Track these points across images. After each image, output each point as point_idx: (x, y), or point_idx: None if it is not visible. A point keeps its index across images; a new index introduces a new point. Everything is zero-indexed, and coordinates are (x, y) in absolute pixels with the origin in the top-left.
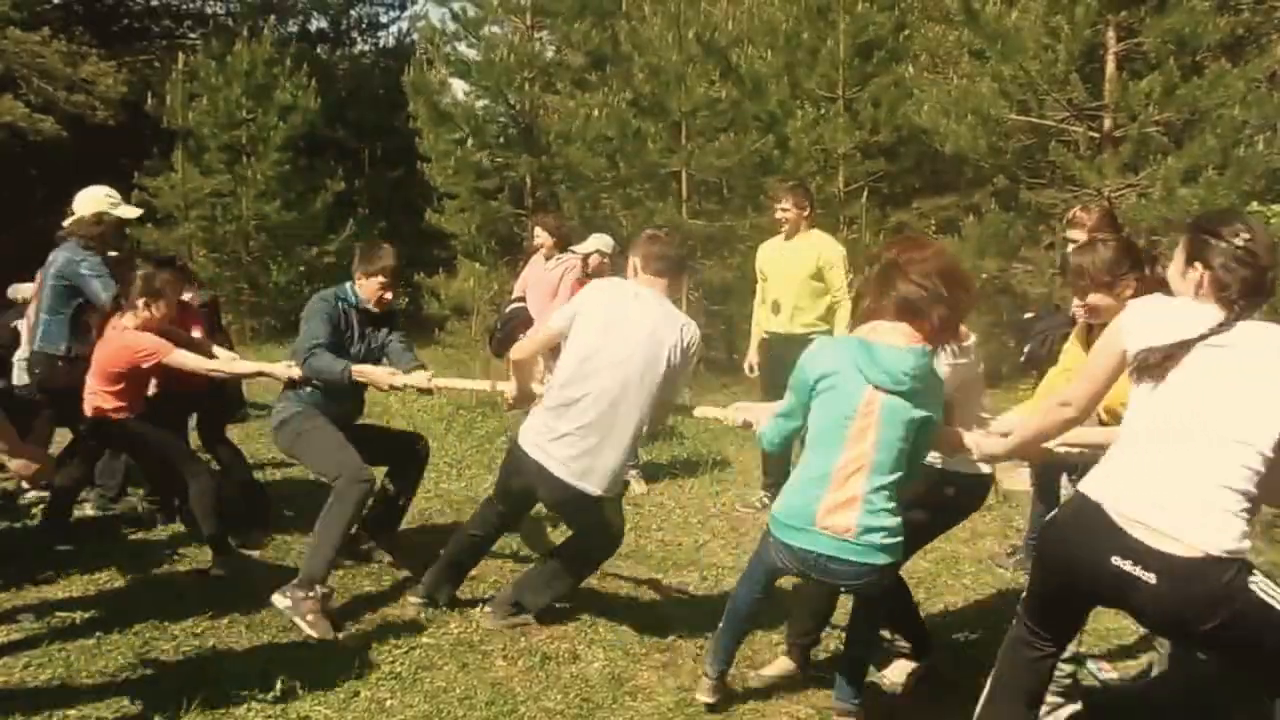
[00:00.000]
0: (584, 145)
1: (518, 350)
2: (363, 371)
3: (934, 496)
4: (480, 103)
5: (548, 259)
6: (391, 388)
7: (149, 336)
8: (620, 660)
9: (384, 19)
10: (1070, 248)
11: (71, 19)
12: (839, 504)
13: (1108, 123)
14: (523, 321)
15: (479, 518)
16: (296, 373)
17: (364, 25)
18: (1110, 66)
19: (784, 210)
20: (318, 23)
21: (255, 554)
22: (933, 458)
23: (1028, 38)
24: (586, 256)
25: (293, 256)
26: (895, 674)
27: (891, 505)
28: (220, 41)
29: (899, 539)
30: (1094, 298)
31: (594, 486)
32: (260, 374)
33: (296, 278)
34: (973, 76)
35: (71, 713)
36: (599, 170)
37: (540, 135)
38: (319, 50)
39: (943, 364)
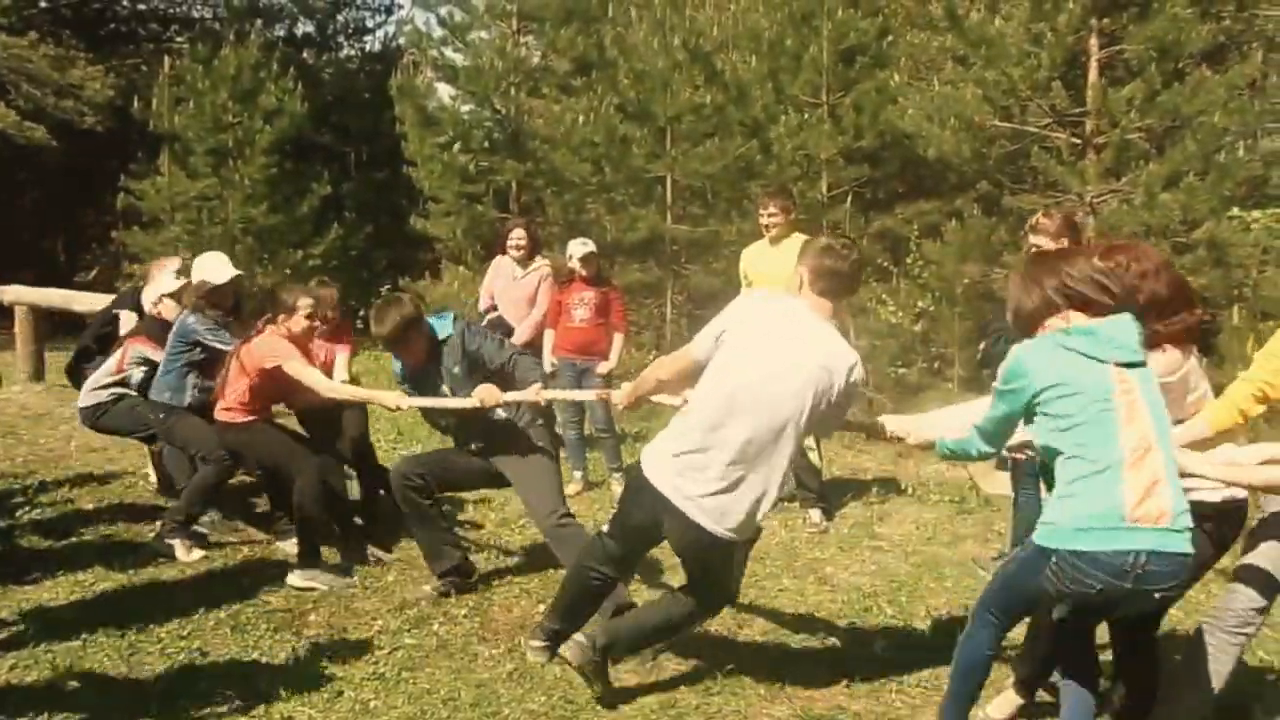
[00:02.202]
0: (569, 150)
1: (661, 370)
2: (482, 393)
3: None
4: (466, 107)
5: (520, 265)
6: (498, 404)
7: (283, 341)
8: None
9: (370, 24)
10: (1031, 251)
11: (59, 23)
12: (1145, 491)
13: (1090, 129)
14: (503, 333)
15: (593, 554)
16: (406, 402)
17: (350, 30)
18: (1093, 73)
19: (771, 215)
20: (304, 27)
21: (388, 557)
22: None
23: (1011, 44)
24: (580, 261)
25: (279, 260)
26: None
27: (1180, 482)
28: (206, 45)
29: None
30: None
31: (729, 530)
32: (370, 402)
33: (283, 280)
34: (956, 82)
35: (58, 715)
36: (584, 175)
37: (526, 140)
38: (305, 54)
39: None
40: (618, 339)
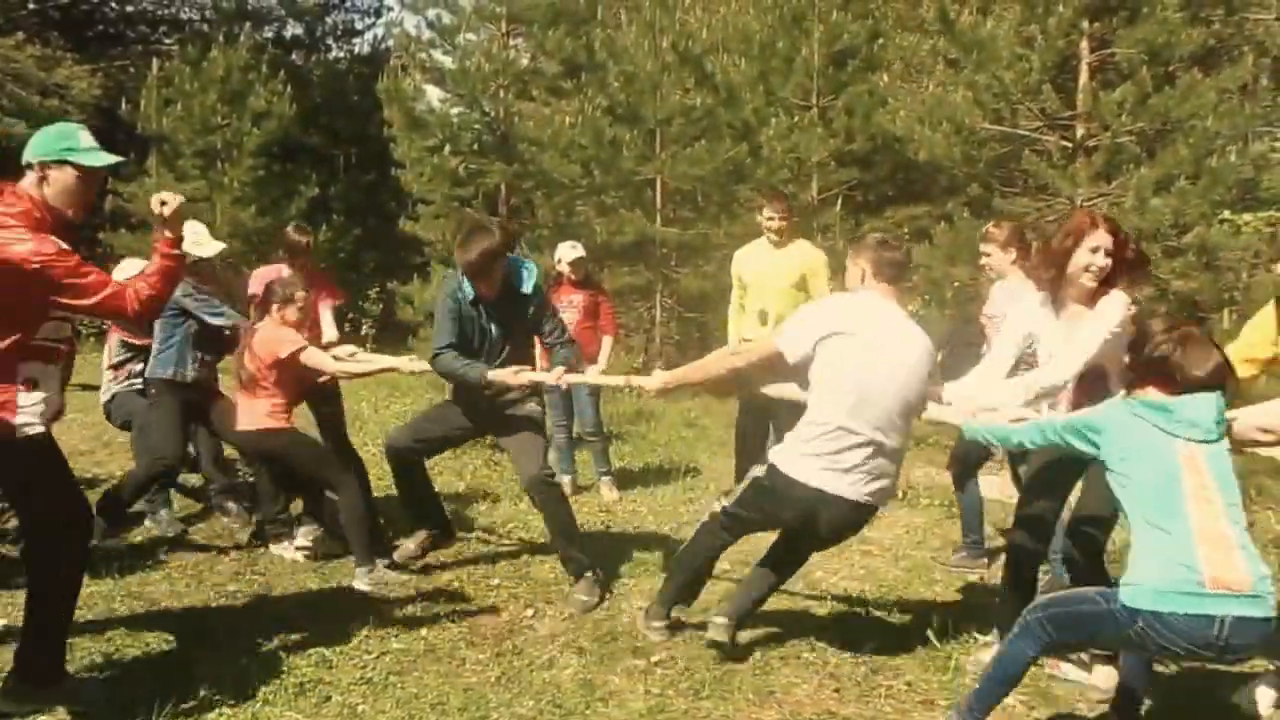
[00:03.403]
0: (558, 152)
1: (740, 359)
2: (499, 374)
3: None
4: (455, 109)
5: None
6: (519, 386)
7: (285, 330)
8: (592, 666)
9: (359, 26)
10: (981, 260)
11: (46, 24)
12: (1222, 558)
13: (1081, 132)
14: None
15: (718, 535)
16: (422, 366)
17: (339, 32)
18: (1083, 76)
19: (770, 218)
20: (293, 29)
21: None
22: None
23: (1002, 47)
24: (569, 265)
25: (267, 262)
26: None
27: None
28: (195, 47)
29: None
30: None
31: (879, 498)
32: (388, 370)
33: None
34: (947, 85)
35: (42, 717)
36: (573, 177)
37: (515, 142)
38: (294, 56)
39: (1108, 331)
40: (607, 342)
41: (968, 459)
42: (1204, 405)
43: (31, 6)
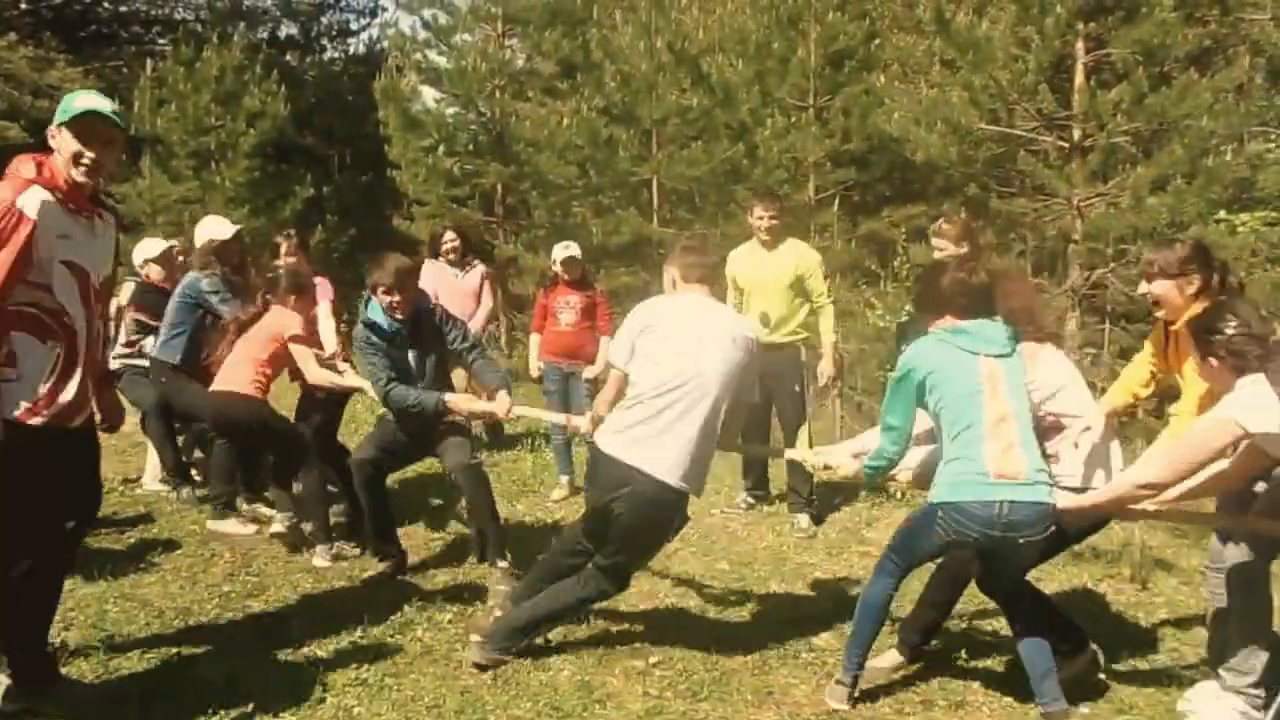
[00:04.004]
0: (554, 153)
1: (602, 407)
2: (455, 402)
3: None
4: (450, 110)
5: (451, 264)
6: (471, 415)
7: (295, 316)
8: (590, 668)
9: (354, 26)
10: (935, 255)
11: (39, 25)
12: (1002, 452)
13: (1077, 132)
14: None
15: (565, 543)
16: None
17: (334, 32)
18: (1079, 77)
19: (759, 219)
20: (287, 29)
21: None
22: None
23: (998, 48)
24: (561, 265)
25: (261, 264)
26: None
27: (1039, 450)
28: (189, 48)
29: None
30: (1158, 285)
31: (685, 483)
32: (356, 390)
33: (265, 285)
34: (943, 86)
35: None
36: (569, 178)
37: (511, 143)
38: (288, 57)
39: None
40: (604, 342)
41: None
42: (995, 326)
43: (24, 6)
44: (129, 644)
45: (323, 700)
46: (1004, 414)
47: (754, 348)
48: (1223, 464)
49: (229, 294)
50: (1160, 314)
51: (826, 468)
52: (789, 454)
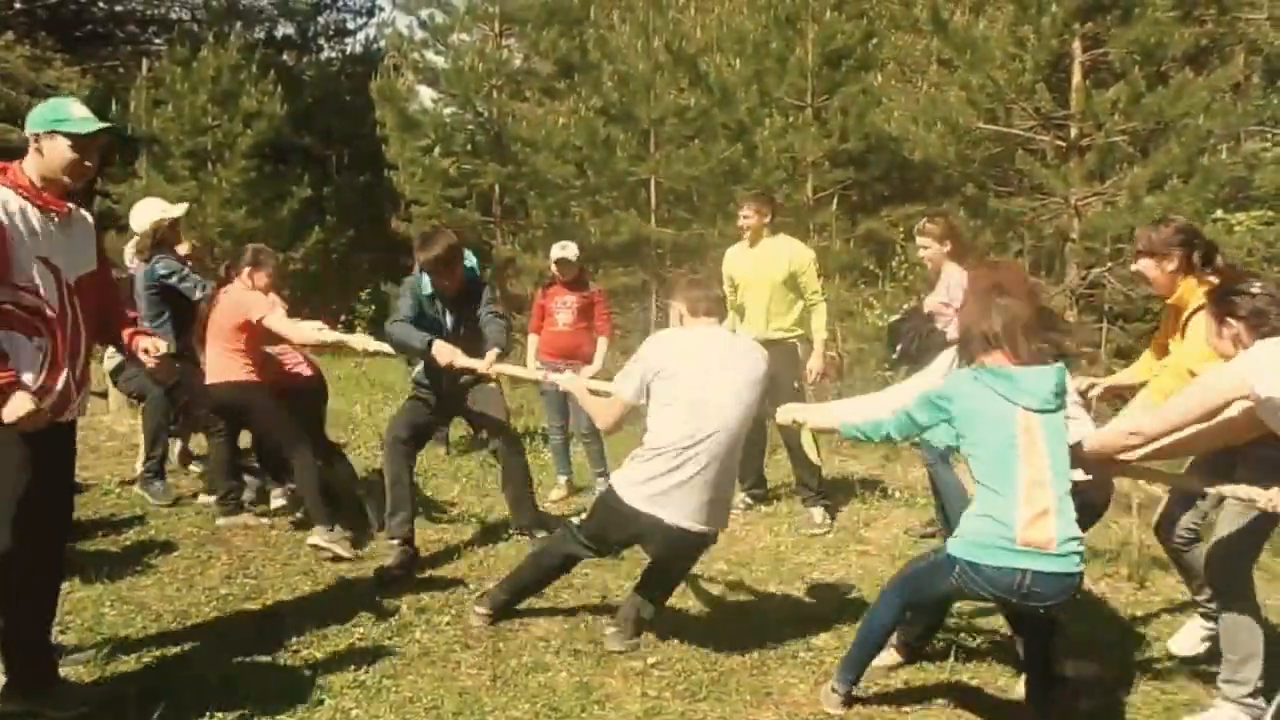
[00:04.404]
0: (552, 153)
1: (597, 415)
2: (439, 349)
3: None
4: (448, 110)
5: None
6: (450, 366)
7: (256, 294)
8: (588, 669)
9: (351, 25)
10: (920, 254)
11: (35, 24)
12: (1033, 518)
13: (1074, 132)
14: None
15: (564, 545)
16: (373, 344)
17: (331, 32)
18: (1076, 76)
19: (745, 217)
20: (284, 29)
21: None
22: None
23: (995, 47)
24: (555, 265)
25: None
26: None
27: (1074, 515)
28: (185, 47)
29: (1084, 547)
30: (1143, 264)
31: (716, 524)
32: (340, 345)
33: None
34: (941, 85)
35: None
36: (567, 178)
37: (508, 143)
38: (285, 57)
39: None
40: (602, 343)
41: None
42: (1043, 376)
43: (19, 6)
44: (126, 646)
45: (321, 702)
46: (1040, 477)
47: (769, 371)
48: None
49: (187, 271)
50: (1148, 290)
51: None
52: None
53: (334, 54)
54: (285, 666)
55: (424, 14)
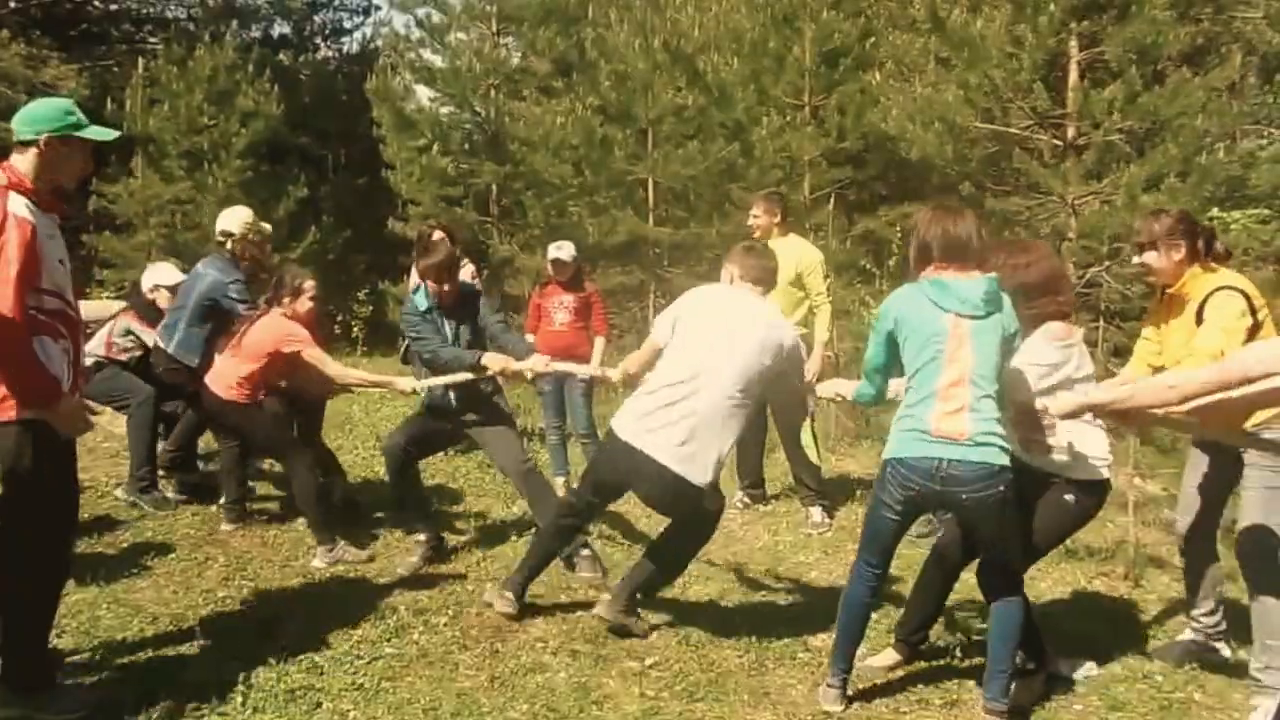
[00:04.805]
0: (549, 152)
1: (630, 363)
2: (491, 359)
3: (1055, 502)
4: (445, 109)
5: None
6: (503, 373)
7: (297, 326)
8: (587, 669)
9: (348, 25)
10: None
11: (30, 22)
12: (948, 414)
13: (1071, 131)
14: None
15: (564, 508)
16: (414, 385)
17: (327, 31)
18: (1073, 75)
19: (755, 216)
20: (280, 28)
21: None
22: (1056, 459)
23: (992, 46)
24: (550, 264)
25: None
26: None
27: (997, 414)
28: (181, 46)
29: (1008, 445)
30: (1148, 255)
31: (691, 474)
32: (381, 386)
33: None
34: (938, 84)
35: None
36: (565, 177)
37: (505, 142)
38: (282, 56)
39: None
40: (599, 342)
41: None
42: (974, 285)
43: (14, 4)
44: (122, 649)
45: (319, 705)
46: (960, 376)
47: (788, 353)
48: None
49: (249, 297)
50: (1153, 280)
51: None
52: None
53: (330, 53)
54: (283, 669)
55: (421, 13)
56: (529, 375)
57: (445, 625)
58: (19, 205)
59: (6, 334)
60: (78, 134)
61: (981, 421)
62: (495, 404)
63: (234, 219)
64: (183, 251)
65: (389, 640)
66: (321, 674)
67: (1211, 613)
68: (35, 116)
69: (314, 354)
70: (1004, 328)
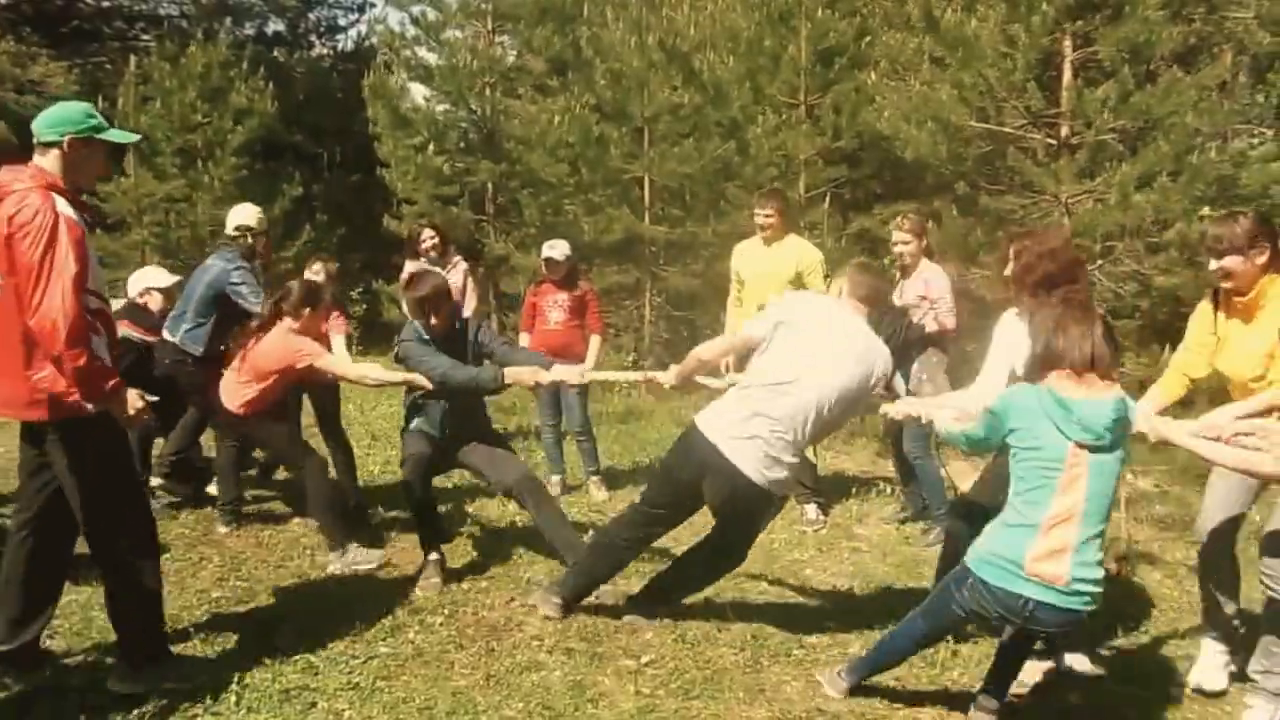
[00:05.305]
0: (545, 151)
1: (704, 351)
2: (517, 374)
3: None
4: (440, 108)
5: (432, 264)
6: (537, 385)
7: (308, 340)
8: (582, 667)
9: (343, 22)
10: (897, 249)
11: (20, 20)
12: (1048, 553)
13: (1064, 130)
14: None
15: (625, 522)
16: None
17: (322, 28)
18: (1067, 74)
19: (767, 216)
20: (274, 25)
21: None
22: None
23: (986, 45)
24: (544, 263)
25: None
26: (1027, 675)
27: (1099, 556)
28: (174, 43)
29: (1102, 588)
30: (1230, 260)
31: (769, 480)
32: (405, 384)
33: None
34: (933, 83)
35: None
36: (560, 176)
37: (501, 141)
38: (276, 53)
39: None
40: (595, 341)
41: (899, 443)
42: (1101, 410)
43: (3, 1)
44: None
45: (314, 705)
46: (1070, 513)
47: (878, 378)
48: None
49: (257, 286)
50: (1229, 285)
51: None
52: (892, 408)
53: (325, 51)
54: (278, 669)
55: (416, 10)
56: (577, 381)
57: (440, 624)
58: (65, 206)
59: (75, 334)
60: (99, 136)
61: (1082, 566)
62: (488, 421)
63: (248, 214)
64: (176, 250)
65: (384, 639)
66: (316, 673)
67: (1229, 634)
68: (57, 119)
69: (327, 362)
70: (1125, 457)
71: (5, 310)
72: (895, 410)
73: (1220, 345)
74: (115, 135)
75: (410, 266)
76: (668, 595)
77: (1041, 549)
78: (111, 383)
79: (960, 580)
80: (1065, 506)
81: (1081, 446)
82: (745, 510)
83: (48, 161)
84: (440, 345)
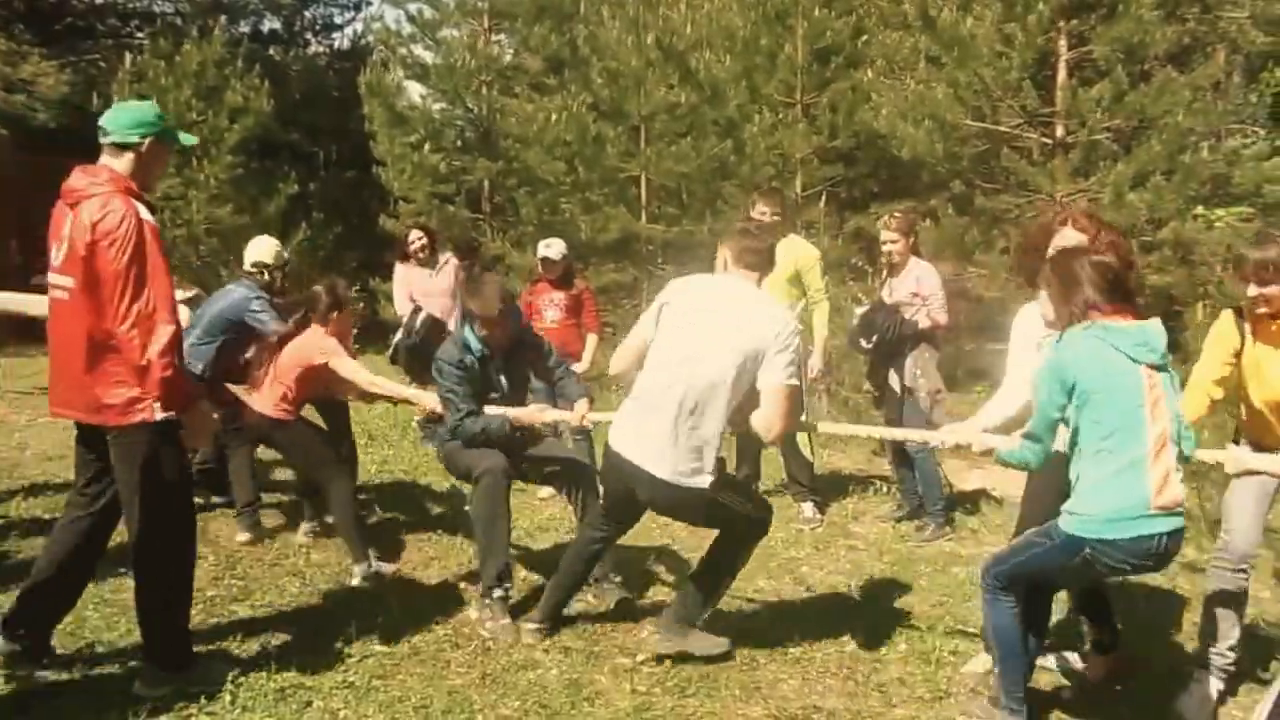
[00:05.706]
0: (542, 149)
1: (614, 363)
2: (517, 418)
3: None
4: (437, 106)
5: (421, 265)
6: (544, 424)
7: (331, 340)
8: (579, 666)
9: (339, 20)
10: (886, 247)
11: (12, 17)
12: (1162, 482)
13: (1059, 129)
14: (440, 330)
15: (590, 524)
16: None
17: (318, 26)
18: (1062, 74)
19: (775, 215)
20: (270, 23)
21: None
22: None
23: (982, 44)
24: (540, 262)
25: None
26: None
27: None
28: (168, 41)
29: None
30: (1274, 289)
31: (689, 481)
32: (407, 402)
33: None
34: (929, 82)
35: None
36: (557, 174)
37: (498, 139)
38: (271, 51)
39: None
40: (591, 340)
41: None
42: (1153, 330)
43: None
44: (109, 649)
45: (310, 703)
46: (1164, 435)
47: (777, 341)
48: None
49: (274, 312)
50: (1264, 310)
51: (958, 447)
52: (934, 438)
53: (321, 49)
54: (273, 668)
55: (412, 8)
56: (575, 421)
57: (436, 623)
58: (143, 210)
59: (164, 339)
60: (166, 140)
61: (1182, 485)
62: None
63: (265, 250)
64: (171, 249)
65: (380, 639)
66: (312, 673)
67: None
68: (135, 119)
69: (343, 364)
70: (1177, 377)
71: (73, 315)
72: (939, 440)
73: (1252, 370)
74: (184, 138)
75: (400, 270)
76: (717, 587)
77: (1158, 480)
78: (190, 391)
79: (1068, 552)
80: (1159, 431)
81: (1152, 368)
82: (691, 505)
83: (122, 164)
84: (499, 363)
